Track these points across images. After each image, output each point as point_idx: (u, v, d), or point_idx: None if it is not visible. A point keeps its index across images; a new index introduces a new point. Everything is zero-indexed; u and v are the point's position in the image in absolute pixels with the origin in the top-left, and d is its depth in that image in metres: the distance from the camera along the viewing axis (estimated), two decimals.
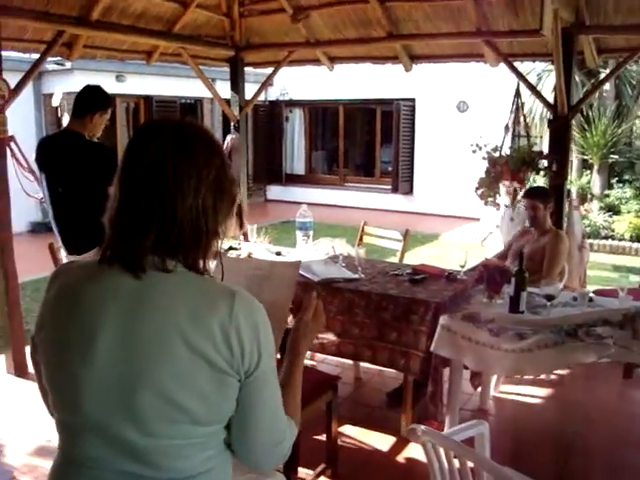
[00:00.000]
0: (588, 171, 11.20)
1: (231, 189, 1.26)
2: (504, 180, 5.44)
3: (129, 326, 1.14)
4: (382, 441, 3.53)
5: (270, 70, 6.78)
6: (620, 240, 9.56)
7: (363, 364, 4.17)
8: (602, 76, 8.98)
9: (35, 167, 4.05)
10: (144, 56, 6.19)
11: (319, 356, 4.40)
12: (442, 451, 1.88)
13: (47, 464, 3.06)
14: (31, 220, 10.18)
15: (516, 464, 2.31)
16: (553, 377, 4.36)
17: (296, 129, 15.00)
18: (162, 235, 1.16)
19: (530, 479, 2.23)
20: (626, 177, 11.09)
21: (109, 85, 7.47)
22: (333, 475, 3.13)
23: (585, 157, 10.96)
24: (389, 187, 13.43)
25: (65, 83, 9.44)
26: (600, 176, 10.84)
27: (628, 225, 9.59)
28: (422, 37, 5.55)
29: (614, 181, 11.06)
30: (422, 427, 1.87)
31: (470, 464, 1.87)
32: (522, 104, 6.71)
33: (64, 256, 3.88)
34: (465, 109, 12.50)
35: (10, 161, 4.38)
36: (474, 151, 5.97)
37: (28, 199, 4.75)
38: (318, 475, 3.08)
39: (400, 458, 3.39)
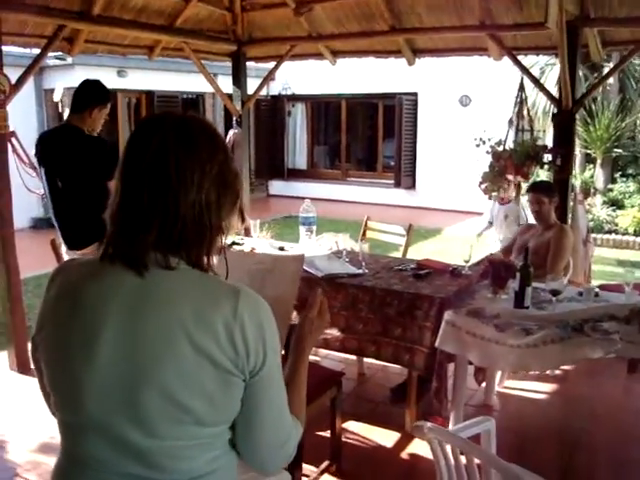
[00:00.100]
0: (591, 165, 11.17)
1: (235, 184, 1.24)
2: (508, 174, 5.41)
3: (132, 325, 1.12)
4: (386, 437, 3.52)
5: (272, 64, 6.75)
6: (624, 234, 9.54)
7: (366, 359, 4.16)
8: (605, 70, 8.93)
9: (36, 162, 4.04)
10: (146, 51, 6.16)
11: (322, 351, 4.39)
12: (449, 448, 1.86)
13: (51, 461, 3.05)
14: (33, 216, 10.16)
15: (520, 459, 2.30)
16: (557, 372, 4.34)
17: (298, 124, 14.96)
18: (164, 231, 1.14)
19: (538, 476, 2.21)
20: (630, 171, 11.05)
21: (110, 80, 7.45)
22: (337, 471, 3.12)
23: (588, 151, 10.93)
24: (391, 182, 13.40)
25: (66, 78, 9.43)
26: (603, 170, 10.81)
27: (632, 219, 9.57)
28: (425, 31, 5.51)
29: (617, 175, 11.03)
30: (428, 424, 1.86)
31: (476, 461, 1.85)
32: (526, 98, 6.67)
33: (64, 252, 3.87)
34: (467, 103, 12.46)
35: (11, 157, 4.36)
36: (478, 145, 5.95)
37: (29, 195, 4.73)
38: (322, 472, 3.07)
39: (404, 454, 3.38)
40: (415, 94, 13.02)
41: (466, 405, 3.60)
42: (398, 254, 4.89)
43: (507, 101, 7.52)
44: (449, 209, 12.13)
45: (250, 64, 6.71)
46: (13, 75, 4.30)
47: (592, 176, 10.93)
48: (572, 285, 3.68)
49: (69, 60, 9.40)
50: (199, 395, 1.11)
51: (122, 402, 1.11)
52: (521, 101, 6.55)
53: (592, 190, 10.63)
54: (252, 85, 6.65)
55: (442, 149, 12.60)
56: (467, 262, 3.75)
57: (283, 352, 1.34)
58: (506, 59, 5.52)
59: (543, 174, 8.18)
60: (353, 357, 4.29)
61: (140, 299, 1.13)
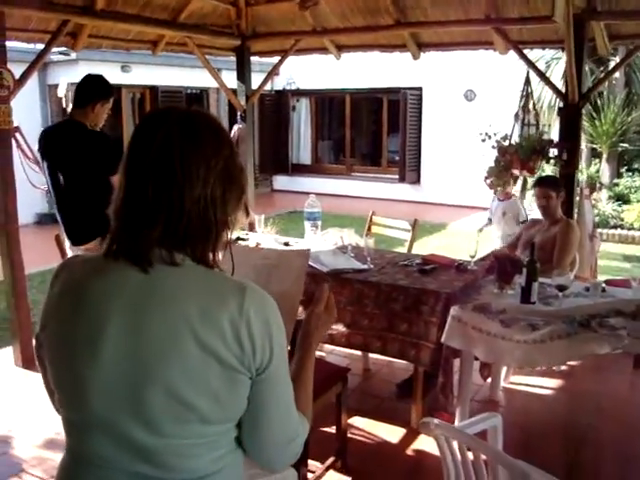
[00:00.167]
0: (597, 160, 11.12)
1: (240, 179, 1.22)
2: (514, 169, 5.39)
3: (136, 322, 1.10)
4: (392, 433, 3.51)
5: (276, 59, 6.73)
6: (629, 229, 9.50)
7: (372, 355, 4.15)
8: (612, 64, 8.89)
9: (39, 157, 4.04)
10: (150, 46, 6.14)
11: (327, 347, 4.38)
12: (455, 445, 1.85)
13: (56, 457, 3.06)
14: (37, 211, 10.18)
15: (526, 455, 2.30)
16: (563, 368, 4.32)
17: (302, 118, 14.94)
18: (169, 227, 1.12)
19: (545, 473, 2.20)
20: (635, 166, 11.01)
21: (114, 75, 7.45)
22: (343, 467, 3.11)
23: (594, 146, 10.88)
24: (396, 177, 13.37)
25: (70, 74, 9.41)
26: (609, 165, 10.76)
27: (638, 214, 9.52)
28: (430, 25, 5.49)
29: (623, 170, 10.98)
30: (435, 421, 1.85)
31: (483, 457, 1.84)
32: (531, 92, 6.64)
33: (68, 247, 3.86)
34: (472, 98, 12.42)
35: (15, 152, 4.36)
36: (483, 140, 5.92)
37: (34, 190, 4.74)
38: (328, 468, 3.06)
39: (410, 450, 3.37)
40: (420, 89, 12.97)
41: (472, 401, 3.59)
42: (403, 249, 4.87)
43: (512, 95, 7.50)
44: (454, 204, 12.10)
45: (254, 59, 6.70)
46: (17, 70, 4.30)
47: (598, 171, 10.89)
48: (578, 280, 3.66)
49: (73, 55, 9.40)
50: (204, 393, 1.10)
51: (126, 399, 1.10)
52: (527, 95, 6.53)
53: (598, 185, 10.58)
54: (256, 80, 6.63)
55: (447, 144, 12.56)
56: (473, 257, 3.73)
57: (289, 348, 1.33)
58: (512, 53, 5.49)
59: (548, 169, 8.14)
60: (358, 353, 4.27)
61: (145, 296, 1.12)
